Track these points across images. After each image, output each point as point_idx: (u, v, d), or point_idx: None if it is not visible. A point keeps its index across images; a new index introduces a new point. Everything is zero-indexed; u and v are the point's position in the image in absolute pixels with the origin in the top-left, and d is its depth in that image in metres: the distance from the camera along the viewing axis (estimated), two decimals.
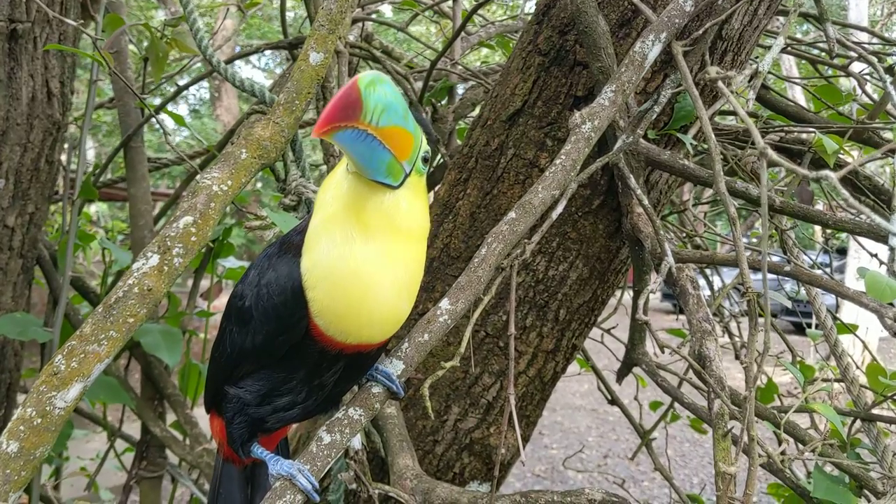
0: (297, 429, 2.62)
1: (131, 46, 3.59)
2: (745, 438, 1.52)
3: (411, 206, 1.22)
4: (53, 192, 2.82)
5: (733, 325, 3.17)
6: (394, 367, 1.39)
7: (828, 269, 3.06)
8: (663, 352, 1.73)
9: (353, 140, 1.11)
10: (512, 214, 1.56)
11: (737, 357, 2.41)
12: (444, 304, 1.46)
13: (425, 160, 1.24)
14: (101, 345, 1.54)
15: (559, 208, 1.67)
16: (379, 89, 1.10)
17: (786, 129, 2.38)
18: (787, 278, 1.83)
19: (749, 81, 1.61)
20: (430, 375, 1.44)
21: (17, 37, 2.29)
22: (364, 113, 1.09)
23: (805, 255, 2.76)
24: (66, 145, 3.44)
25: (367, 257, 1.17)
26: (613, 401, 2.57)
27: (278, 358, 1.28)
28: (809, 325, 3.13)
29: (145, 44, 3.24)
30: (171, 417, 3.17)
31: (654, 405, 3.00)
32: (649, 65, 1.73)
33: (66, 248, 2.70)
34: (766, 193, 1.07)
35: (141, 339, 2.78)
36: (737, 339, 3.06)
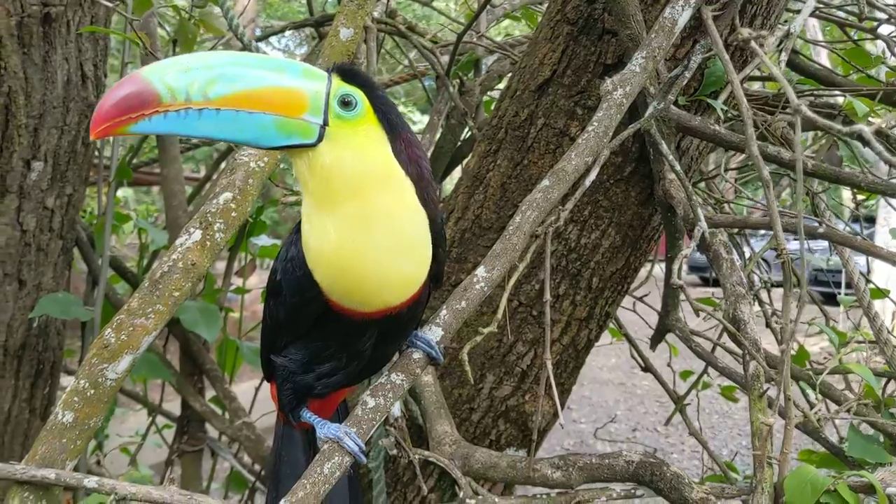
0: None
1: (160, 29, 3.62)
2: (782, 399, 1.54)
3: (344, 157, 1.15)
4: (89, 175, 2.88)
5: (763, 293, 3.16)
6: (433, 334, 1.42)
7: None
8: (698, 315, 1.75)
9: (175, 123, 1.11)
10: (546, 182, 1.58)
11: (767, 325, 2.42)
12: (481, 271, 1.48)
13: (347, 103, 1.16)
14: (148, 318, 1.60)
15: (592, 175, 1.68)
16: (193, 71, 1.11)
17: (815, 92, 2.37)
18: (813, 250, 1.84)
19: (780, 43, 1.61)
20: (468, 342, 1.47)
21: (50, 20, 2.33)
22: (168, 95, 1.09)
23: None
24: None
25: (339, 230, 1.15)
26: (647, 368, 2.59)
27: (308, 328, 1.30)
28: (838, 295, 3.12)
29: (175, 25, 3.28)
30: (209, 393, 3.24)
31: (685, 374, 3.01)
32: (679, 30, 1.73)
33: (105, 228, 2.76)
34: (800, 151, 1.08)
35: (180, 315, 2.83)
36: (767, 306, 3.06)
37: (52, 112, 2.45)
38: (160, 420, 3.62)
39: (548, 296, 1.57)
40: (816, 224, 1.77)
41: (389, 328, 1.31)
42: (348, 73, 1.19)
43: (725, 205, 3.17)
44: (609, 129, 1.64)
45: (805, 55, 2.63)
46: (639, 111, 1.91)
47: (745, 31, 1.24)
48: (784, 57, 1.37)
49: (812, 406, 1.76)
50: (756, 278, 3.24)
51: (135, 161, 3.73)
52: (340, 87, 1.17)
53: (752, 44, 1.08)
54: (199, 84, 1.10)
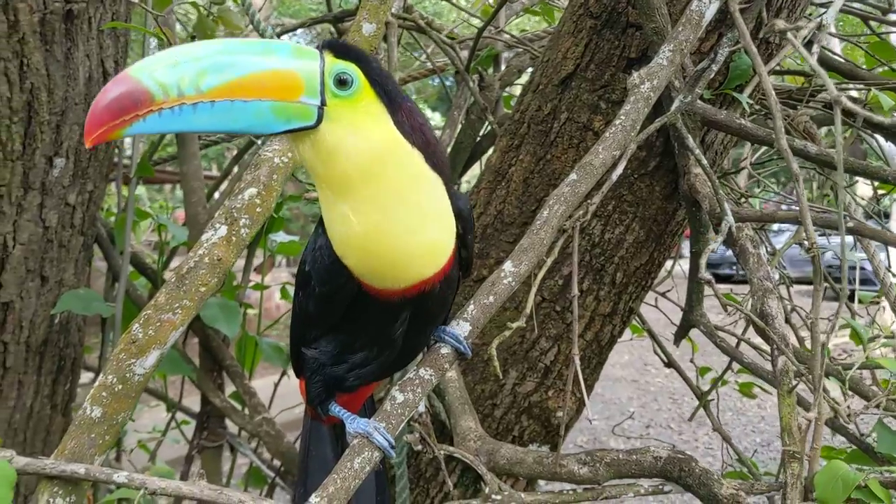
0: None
1: (178, 26, 3.63)
2: (813, 395, 1.53)
3: (346, 135, 1.13)
4: (110, 171, 2.88)
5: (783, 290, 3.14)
6: (461, 329, 1.41)
7: None
8: (726, 310, 1.73)
9: (172, 121, 1.09)
10: (573, 176, 1.57)
11: (787, 321, 2.40)
12: (508, 266, 1.47)
13: (343, 81, 1.13)
14: (175, 313, 1.60)
15: (619, 169, 1.67)
16: (181, 65, 1.09)
17: (841, 86, 2.35)
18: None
19: (809, 36, 1.59)
20: (495, 338, 1.46)
21: (72, 17, 2.33)
22: (160, 92, 1.07)
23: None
24: None
25: (359, 213, 1.14)
26: (670, 363, 2.58)
27: (340, 318, 1.30)
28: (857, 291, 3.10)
29: (194, 22, 3.28)
30: (229, 389, 3.24)
31: (704, 370, 3.00)
32: (706, 23, 1.72)
33: (125, 225, 2.77)
34: (840, 144, 1.07)
35: (201, 312, 2.83)
36: (786, 302, 3.04)
37: (74, 109, 2.45)
38: (178, 416, 3.63)
39: (575, 290, 1.56)
40: (846, 219, 1.75)
41: (421, 309, 1.29)
42: (339, 48, 1.17)
43: (745, 201, 3.15)
44: (637, 122, 1.63)
45: (830, 49, 2.60)
46: (663, 105, 1.90)
47: (781, 23, 1.23)
48: (816, 49, 1.36)
49: (838, 402, 1.74)
50: (776, 275, 3.23)
51: (156, 158, 3.74)
52: (334, 64, 1.14)
53: (789, 35, 1.07)
54: (190, 77, 1.08)
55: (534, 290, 1.49)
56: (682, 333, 2.26)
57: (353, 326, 1.31)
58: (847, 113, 2.54)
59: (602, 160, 1.58)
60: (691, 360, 2.69)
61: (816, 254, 1.52)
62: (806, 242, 1.53)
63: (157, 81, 1.06)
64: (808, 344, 2.52)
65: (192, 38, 3.27)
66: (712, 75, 1.79)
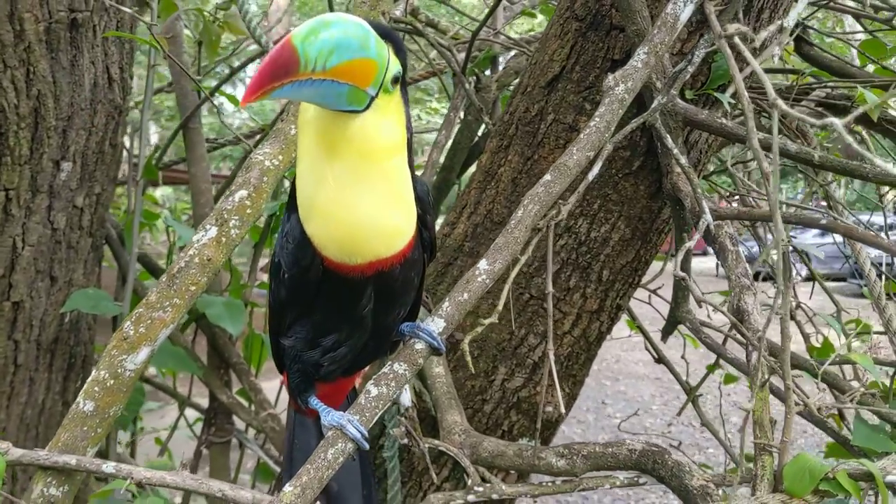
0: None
1: (186, 31, 3.71)
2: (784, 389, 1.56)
3: (380, 126, 1.23)
4: (118, 174, 2.96)
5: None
6: (435, 325, 1.46)
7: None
8: (700, 306, 1.77)
9: (297, 90, 1.14)
10: (547, 177, 1.61)
11: (792, 317, 2.42)
12: (483, 264, 1.52)
13: (396, 79, 1.24)
14: (165, 311, 1.66)
15: (595, 169, 1.71)
16: (323, 34, 1.13)
17: (829, 84, 2.36)
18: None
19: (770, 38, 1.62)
20: (470, 332, 1.51)
21: (77, 26, 2.41)
22: (304, 64, 1.12)
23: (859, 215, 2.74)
24: (129, 129, 3.60)
25: (343, 181, 1.22)
26: (660, 359, 2.61)
27: (309, 301, 1.36)
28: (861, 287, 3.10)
29: (201, 28, 3.36)
30: (237, 386, 3.32)
31: (711, 368, 3.01)
32: (682, 25, 1.75)
33: (133, 226, 2.85)
34: (776, 140, 1.11)
35: (206, 310, 2.91)
36: (792, 299, 3.05)
37: (80, 114, 2.53)
38: (195, 414, 3.72)
39: (550, 287, 1.61)
40: (819, 215, 1.78)
41: (385, 290, 1.35)
42: (398, 45, 1.26)
43: (749, 198, 3.17)
44: (611, 124, 1.67)
45: (822, 47, 2.62)
46: (646, 105, 1.94)
47: (733, 27, 1.26)
48: (778, 51, 1.39)
49: (809, 396, 1.77)
50: (804, 270, 3.24)
51: (166, 160, 3.83)
52: (394, 63, 1.23)
53: (736, 39, 1.10)
54: (325, 54, 1.13)
55: (507, 287, 1.54)
56: (669, 329, 2.29)
57: (321, 308, 1.37)
58: (840, 110, 2.57)
59: (576, 160, 1.62)
60: (682, 357, 2.72)
61: (785, 250, 1.55)
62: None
63: (306, 53, 1.12)
64: (813, 341, 2.56)
65: (199, 44, 3.35)
66: (688, 76, 1.82)
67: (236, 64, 4.31)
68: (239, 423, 3.39)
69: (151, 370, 3.68)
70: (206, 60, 3.41)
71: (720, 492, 1.56)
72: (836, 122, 0.93)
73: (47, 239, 2.57)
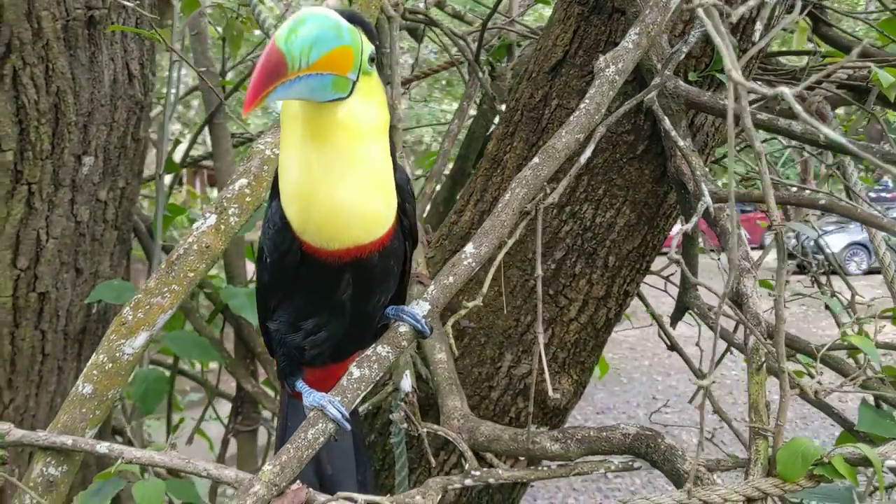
0: None
1: (212, 27, 3.78)
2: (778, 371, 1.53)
3: (364, 108, 1.26)
4: (143, 169, 3.03)
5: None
6: (420, 308, 1.47)
7: None
8: (695, 290, 1.74)
9: (288, 89, 1.17)
10: (536, 160, 1.61)
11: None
12: (469, 248, 1.53)
13: (372, 59, 1.27)
14: (164, 297, 1.70)
15: (588, 152, 1.70)
16: (301, 31, 1.16)
17: (844, 64, 2.30)
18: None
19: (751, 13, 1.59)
20: (454, 315, 1.52)
21: (94, 23, 2.47)
22: (291, 63, 1.14)
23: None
24: (154, 125, 3.68)
25: (326, 165, 1.25)
26: (672, 346, 2.58)
27: (290, 286, 1.39)
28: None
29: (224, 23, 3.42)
30: (263, 375, 3.38)
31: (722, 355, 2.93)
32: (675, 5, 1.73)
33: (156, 218, 2.92)
34: (731, 109, 1.09)
35: (229, 301, 2.97)
36: (826, 287, 2.98)
37: (101, 109, 2.59)
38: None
39: (539, 271, 1.60)
40: (820, 195, 1.74)
41: (363, 277, 1.37)
42: (368, 27, 1.29)
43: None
44: (601, 105, 1.66)
45: (840, 28, 2.55)
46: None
47: None
48: (759, 27, 1.36)
49: (813, 378, 1.74)
50: (813, 264, 3.18)
51: (193, 154, 3.91)
52: (366, 43, 1.26)
53: (699, 11, 1.08)
54: (306, 50, 1.16)
55: (491, 270, 1.54)
56: (677, 315, 2.26)
57: (302, 293, 1.40)
58: (861, 92, 2.51)
59: (565, 143, 1.62)
60: (696, 344, 2.67)
61: (779, 231, 1.53)
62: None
63: (290, 52, 1.15)
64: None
65: (223, 40, 3.41)
66: (682, 56, 1.80)
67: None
68: (265, 413, 3.44)
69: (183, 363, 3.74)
70: (231, 56, 3.47)
71: (714, 477, 1.54)
72: (786, 91, 0.91)
73: (71, 232, 2.64)
